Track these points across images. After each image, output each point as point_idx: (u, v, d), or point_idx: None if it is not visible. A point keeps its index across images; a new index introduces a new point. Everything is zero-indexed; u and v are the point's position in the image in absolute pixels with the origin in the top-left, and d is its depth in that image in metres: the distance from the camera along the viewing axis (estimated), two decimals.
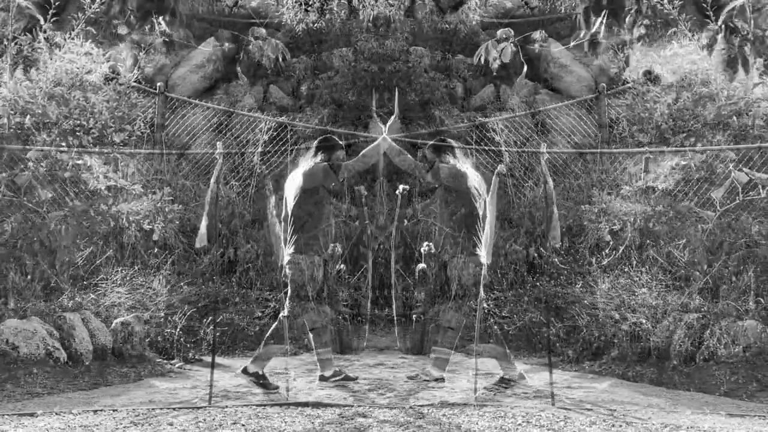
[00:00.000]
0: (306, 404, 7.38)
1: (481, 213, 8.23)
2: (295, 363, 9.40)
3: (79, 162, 10.18)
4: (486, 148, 12.48)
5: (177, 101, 12.94)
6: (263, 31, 14.22)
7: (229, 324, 10.12)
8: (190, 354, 9.51)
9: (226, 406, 7.31)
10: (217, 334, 9.58)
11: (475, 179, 8.30)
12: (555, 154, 12.41)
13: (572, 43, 14.00)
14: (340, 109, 13.54)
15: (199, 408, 7.26)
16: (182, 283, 10.43)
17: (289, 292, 8.11)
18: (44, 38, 10.79)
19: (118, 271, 10.15)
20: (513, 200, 12.05)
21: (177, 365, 9.14)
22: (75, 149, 10.17)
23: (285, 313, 8.10)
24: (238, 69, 14.16)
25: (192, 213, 11.15)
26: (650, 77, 13.21)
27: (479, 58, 14.08)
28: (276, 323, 8.24)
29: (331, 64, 14.20)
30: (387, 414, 7.04)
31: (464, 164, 8.43)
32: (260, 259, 11.23)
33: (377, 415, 7.02)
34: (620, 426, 6.69)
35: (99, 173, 10.32)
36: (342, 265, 10.17)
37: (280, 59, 14.08)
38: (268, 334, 8.21)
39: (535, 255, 11.14)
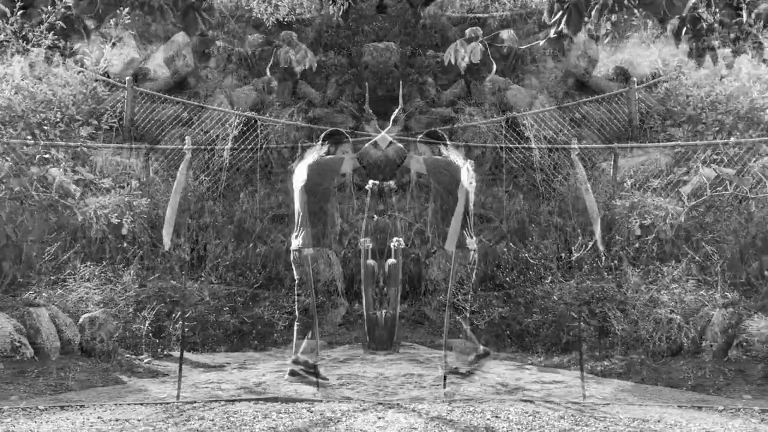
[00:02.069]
0: (276, 399, 7.36)
1: (471, 206, 8.29)
2: (264, 357, 9.40)
3: (47, 156, 10.08)
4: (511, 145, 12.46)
5: (146, 95, 12.83)
6: (294, 35, 14.26)
7: (198, 319, 10.06)
8: (159, 349, 9.46)
9: (195, 402, 7.28)
10: (186, 329, 9.52)
11: (463, 171, 8.33)
12: (585, 149, 12.26)
13: (542, 42, 14.02)
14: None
15: (167, 403, 7.22)
16: (151, 278, 10.35)
17: (298, 283, 8.16)
18: (12, 31, 10.66)
19: (86, 265, 10.06)
20: (543, 196, 12.04)
21: (145, 360, 9.08)
22: (42, 143, 10.06)
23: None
24: (267, 71, 14.17)
25: (161, 208, 11.06)
26: (621, 72, 13.27)
27: (449, 59, 14.13)
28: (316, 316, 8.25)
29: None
30: (356, 409, 7.04)
31: (457, 157, 8.47)
32: (230, 255, 11.18)
33: (346, 409, 7.02)
34: (588, 420, 6.73)
35: (66, 167, 10.22)
36: (371, 261, 10.11)
37: (306, 66, 14.16)
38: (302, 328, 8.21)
39: (569, 251, 11.06)
